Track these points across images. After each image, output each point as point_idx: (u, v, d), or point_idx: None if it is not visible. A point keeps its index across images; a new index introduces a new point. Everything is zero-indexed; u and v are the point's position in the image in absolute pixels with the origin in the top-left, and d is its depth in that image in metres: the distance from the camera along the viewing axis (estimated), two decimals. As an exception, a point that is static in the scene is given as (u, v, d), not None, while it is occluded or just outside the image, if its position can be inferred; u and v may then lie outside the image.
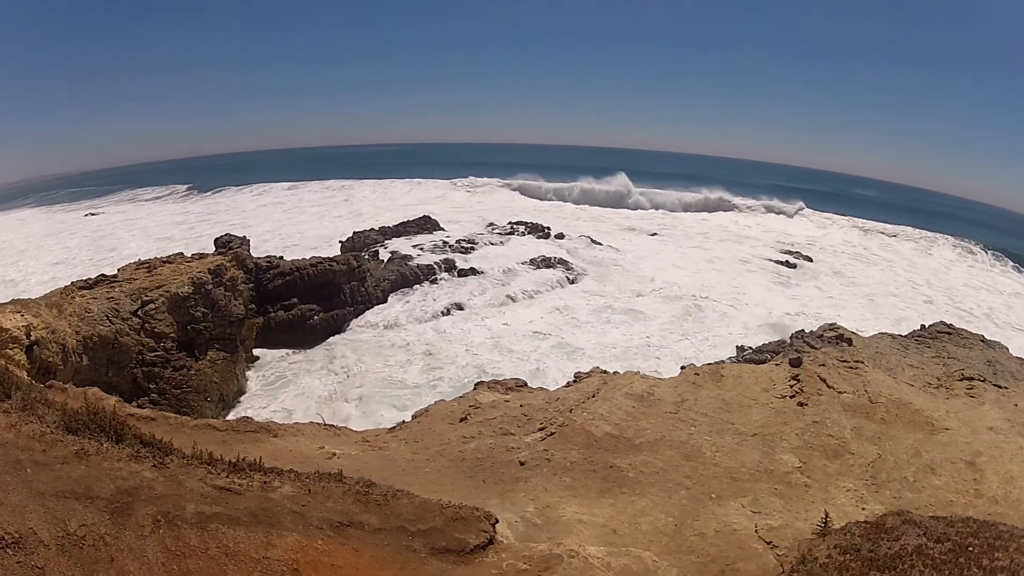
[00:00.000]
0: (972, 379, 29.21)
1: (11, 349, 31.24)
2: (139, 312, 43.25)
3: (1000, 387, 28.66)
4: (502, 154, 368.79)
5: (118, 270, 48.74)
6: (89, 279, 45.67)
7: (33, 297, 39.70)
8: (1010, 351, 36.35)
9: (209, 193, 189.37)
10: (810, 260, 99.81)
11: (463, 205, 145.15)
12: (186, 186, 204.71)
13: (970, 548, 11.45)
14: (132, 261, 52.33)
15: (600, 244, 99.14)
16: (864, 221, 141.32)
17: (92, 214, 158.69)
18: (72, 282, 45.10)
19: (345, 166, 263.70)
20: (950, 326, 39.32)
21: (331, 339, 60.55)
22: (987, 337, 38.37)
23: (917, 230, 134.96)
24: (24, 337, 32.47)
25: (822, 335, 37.13)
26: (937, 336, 37.21)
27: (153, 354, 43.30)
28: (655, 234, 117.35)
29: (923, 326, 41.39)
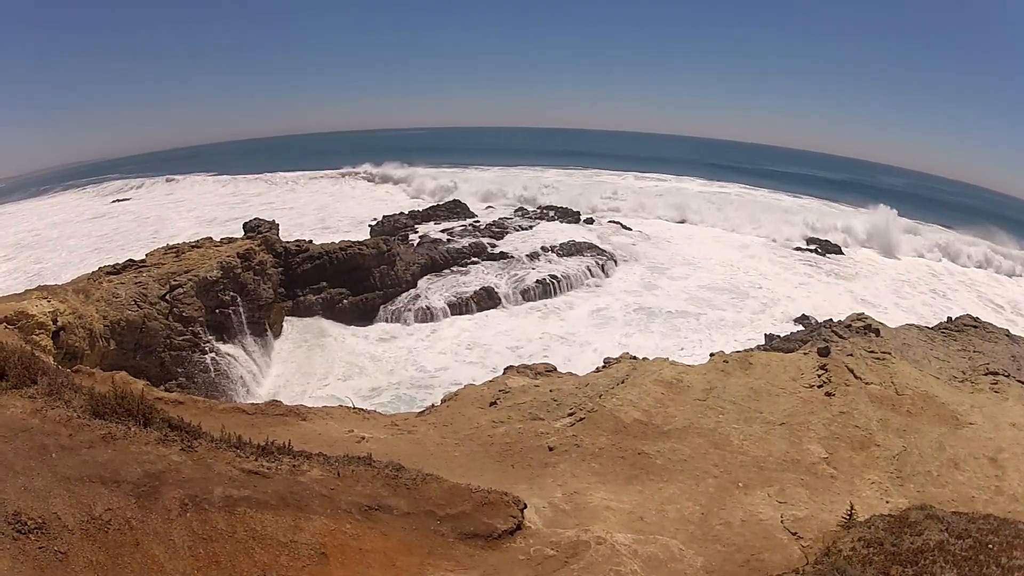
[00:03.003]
0: (997, 374, 29.09)
1: (37, 335, 31.42)
2: (167, 296, 43.52)
3: (1024, 383, 28.53)
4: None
5: (146, 255, 49.08)
6: (117, 264, 46.08)
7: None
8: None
9: (237, 178, 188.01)
10: (839, 251, 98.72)
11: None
12: (206, 173, 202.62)
13: (990, 545, 11.47)
14: (161, 246, 52.62)
15: (629, 229, 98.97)
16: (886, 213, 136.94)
17: (120, 200, 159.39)
18: (100, 267, 45.42)
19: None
20: (976, 319, 39.18)
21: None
22: (1012, 332, 38.24)
23: (942, 227, 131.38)
24: (50, 323, 32.68)
25: (850, 325, 36.94)
26: (963, 329, 37.08)
27: (181, 338, 43.54)
28: (683, 220, 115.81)
29: (949, 319, 41.25)
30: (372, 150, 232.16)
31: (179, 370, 43.22)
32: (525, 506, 13.41)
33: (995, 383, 27.94)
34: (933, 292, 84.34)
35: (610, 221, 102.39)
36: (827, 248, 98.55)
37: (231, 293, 48.54)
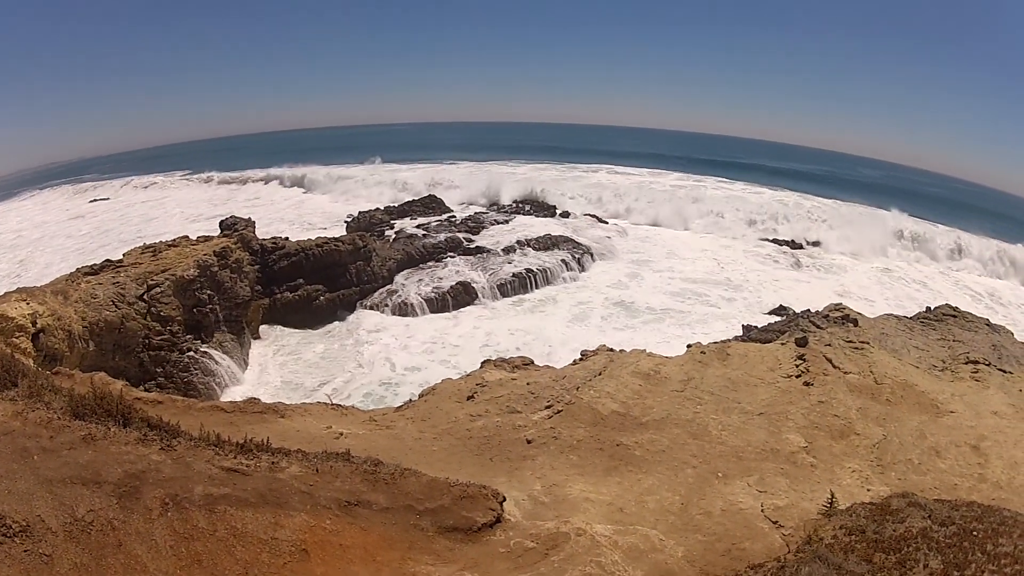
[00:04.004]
0: (977, 363, 29.21)
1: (17, 337, 31.28)
2: (145, 296, 43.36)
3: (1005, 371, 28.64)
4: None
5: (123, 255, 48.96)
6: (94, 264, 45.93)
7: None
8: (1015, 335, 36.37)
9: (203, 176, 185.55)
10: (818, 244, 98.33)
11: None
12: (182, 172, 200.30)
13: (974, 532, 11.53)
14: (137, 246, 52.50)
15: (605, 223, 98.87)
16: (866, 208, 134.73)
17: (97, 200, 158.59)
18: (77, 268, 45.28)
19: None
20: (955, 309, 39.28)
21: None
22: (992, 321, 38.43)
23: (931, 223, 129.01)
24: (30, 325, 32.52)
25: (828, 315, 36.96)
26: (943, 318, 37.19)
27: (160, 338, 43.42)
28: (658, 214, 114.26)
29: (928, 308, 41.30)
30: (332, 148, 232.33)
31: (158, 370, 43.07)
32: (504, 499, 13.48)
33: (976, 372, 28.08)
34: (913, 281, 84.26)
35: (585, 215, 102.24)
36: (807, 242, 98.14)
37: (208, 292, 48.34)
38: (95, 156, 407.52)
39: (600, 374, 24.63)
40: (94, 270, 44.43)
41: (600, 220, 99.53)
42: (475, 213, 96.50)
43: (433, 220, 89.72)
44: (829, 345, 28.11)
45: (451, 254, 75.37)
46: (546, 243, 79.52)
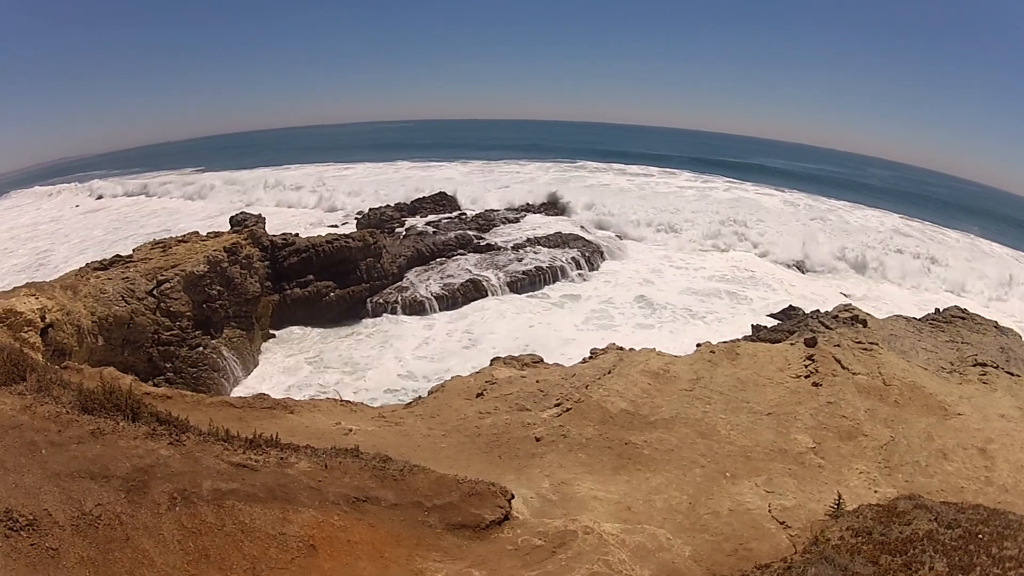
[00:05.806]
0: (985, 365, 29.19)
1: (26, 332, 31.28)
2: (154, 292, 43.34)
3: (1012, 374, 28.59)
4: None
5: (133, 250, 48.93)
6: (104, 260, 45.75)
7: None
8: (1023, 338, 36.29)
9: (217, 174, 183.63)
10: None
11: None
12: (192, 168, 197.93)
13: (980, 535, 11.54)
14: (147, 241, 52.51)
15: (615, 222, 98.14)
16: (874, 211, 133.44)
17: (103, 196, 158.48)
18: (87, 263, 45.22)
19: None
20: (964, 310, 39.18)
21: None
22: (1000, 323, 38.32)
23: (934, 225, 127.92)
24: (39, 320, 32.52)
25: (837, 316, 36.85)
26: (951, 320, 37.11)
27: (169, 333, 43.41)
28: (669, 213, 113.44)
29: (937, 310, 41.18)
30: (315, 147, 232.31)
31: (167, 365, 43.10)
32: (512, 496, 13.48)
33: (984, 374, 28.05)
34: (920, 284, 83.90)
35: (596, 214, 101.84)
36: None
37: (218, 287, 48.30)
38: (103, 153, 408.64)
39: (609, 372, 24.63)
40: (103, 265, 44.40)
41: (610, 219, 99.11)
42: (486, 211, 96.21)
43: (443, 217, 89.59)
44: (838, 346, 28.04)
45: (461, 251, 75.18)
46: (556, 241, 79.19)
